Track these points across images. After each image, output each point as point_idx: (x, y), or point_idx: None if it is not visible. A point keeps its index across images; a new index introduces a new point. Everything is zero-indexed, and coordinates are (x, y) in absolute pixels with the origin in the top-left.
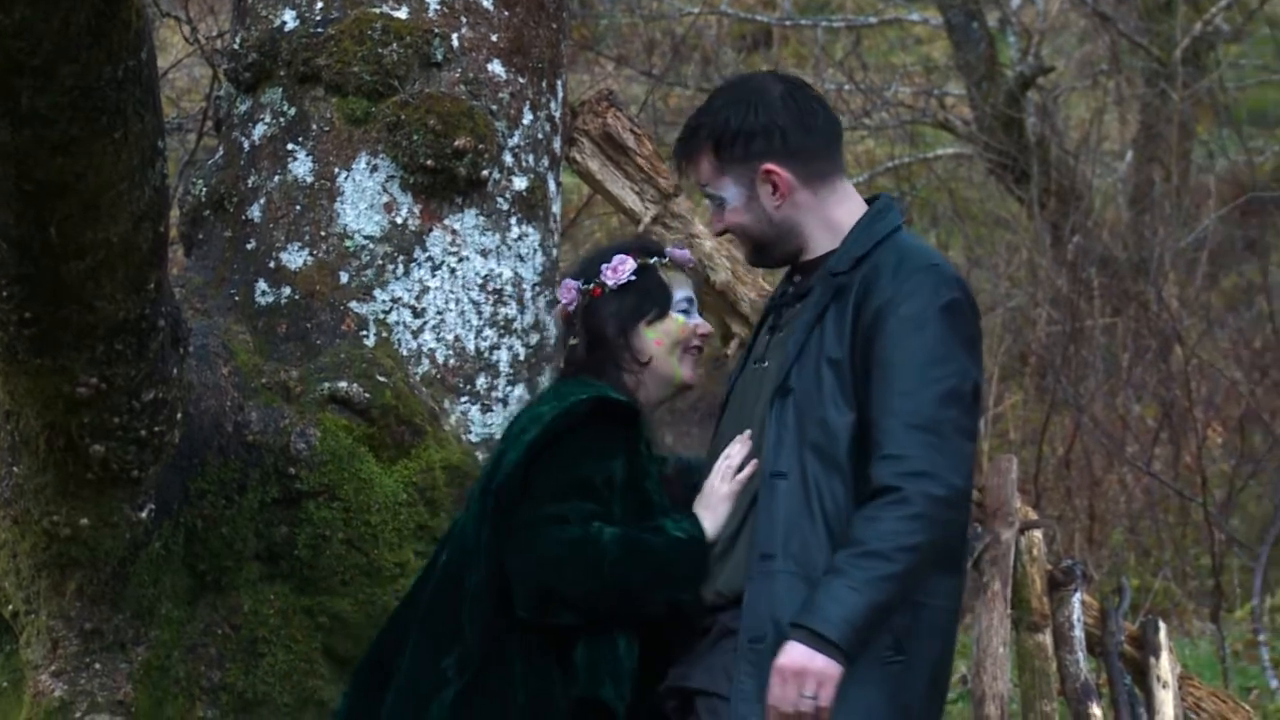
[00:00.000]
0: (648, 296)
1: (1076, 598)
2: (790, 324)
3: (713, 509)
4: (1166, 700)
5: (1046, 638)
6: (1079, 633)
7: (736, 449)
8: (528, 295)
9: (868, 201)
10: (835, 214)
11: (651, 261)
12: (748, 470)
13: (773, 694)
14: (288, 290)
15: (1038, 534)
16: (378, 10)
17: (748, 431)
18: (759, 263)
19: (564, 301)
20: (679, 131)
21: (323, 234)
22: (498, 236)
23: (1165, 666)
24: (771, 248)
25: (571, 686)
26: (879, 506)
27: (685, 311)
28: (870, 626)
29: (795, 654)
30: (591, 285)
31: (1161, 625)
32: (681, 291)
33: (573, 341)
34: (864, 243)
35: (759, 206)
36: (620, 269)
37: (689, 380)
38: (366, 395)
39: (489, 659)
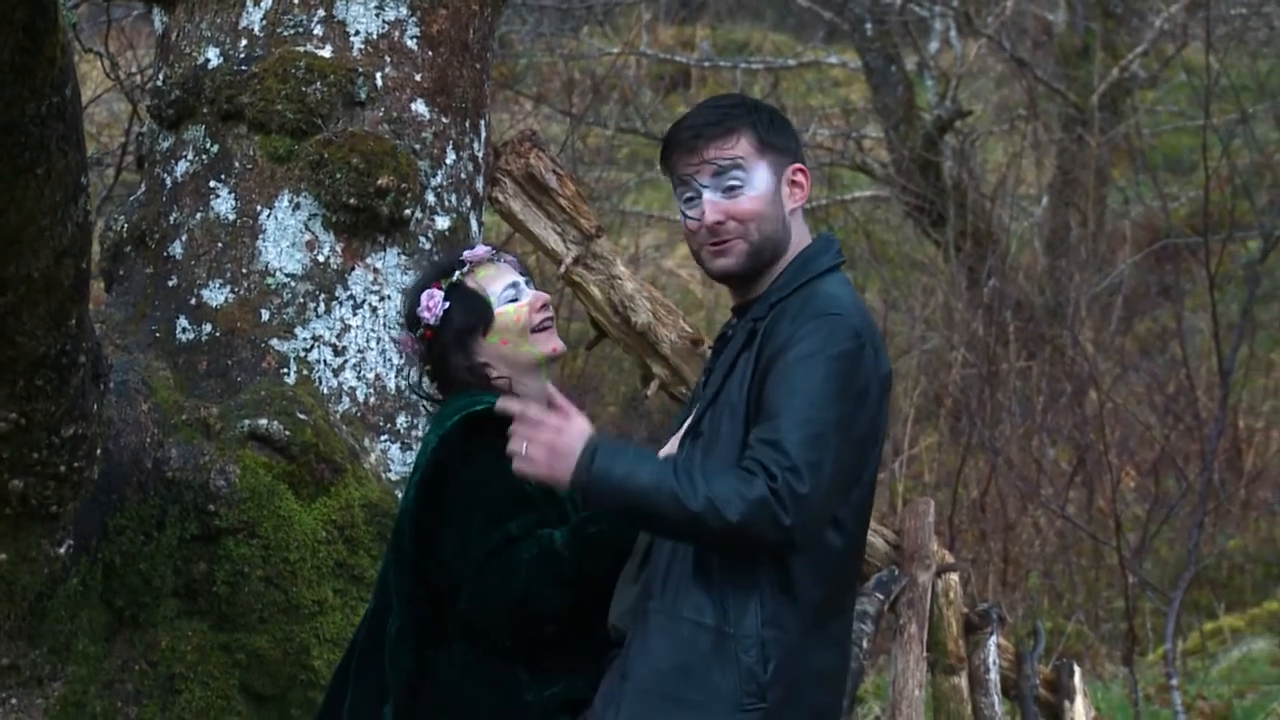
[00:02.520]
0: (470, 312)
1: (992, 641)
2: (714, 369)
3: None
4: None
5: (962, 680)
6: (994, 675)
7: (670, 445)
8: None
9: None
10: (797, 242)
11: (455, 278)
12: None
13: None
14: (209, 327)
15: (954, 577)
16: (302, 49)
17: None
18: (745, 266)
19: (410, 353)
20: (690, 115)
21: (244, 271)
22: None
23: (1079, 710)
24: (760, 249)
25: (547, 686)
26: (733, 470)
27: (513, 299)
28: (619, 502)
29: (573, 429)
30: (421, 331)
31: (1076, 668)
32: (499, 283)
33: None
34: (786, 287)
35: (779, 203)
36: (432, 304)
37: (551, 352)
38: (286, 433)
39: (427, 698)
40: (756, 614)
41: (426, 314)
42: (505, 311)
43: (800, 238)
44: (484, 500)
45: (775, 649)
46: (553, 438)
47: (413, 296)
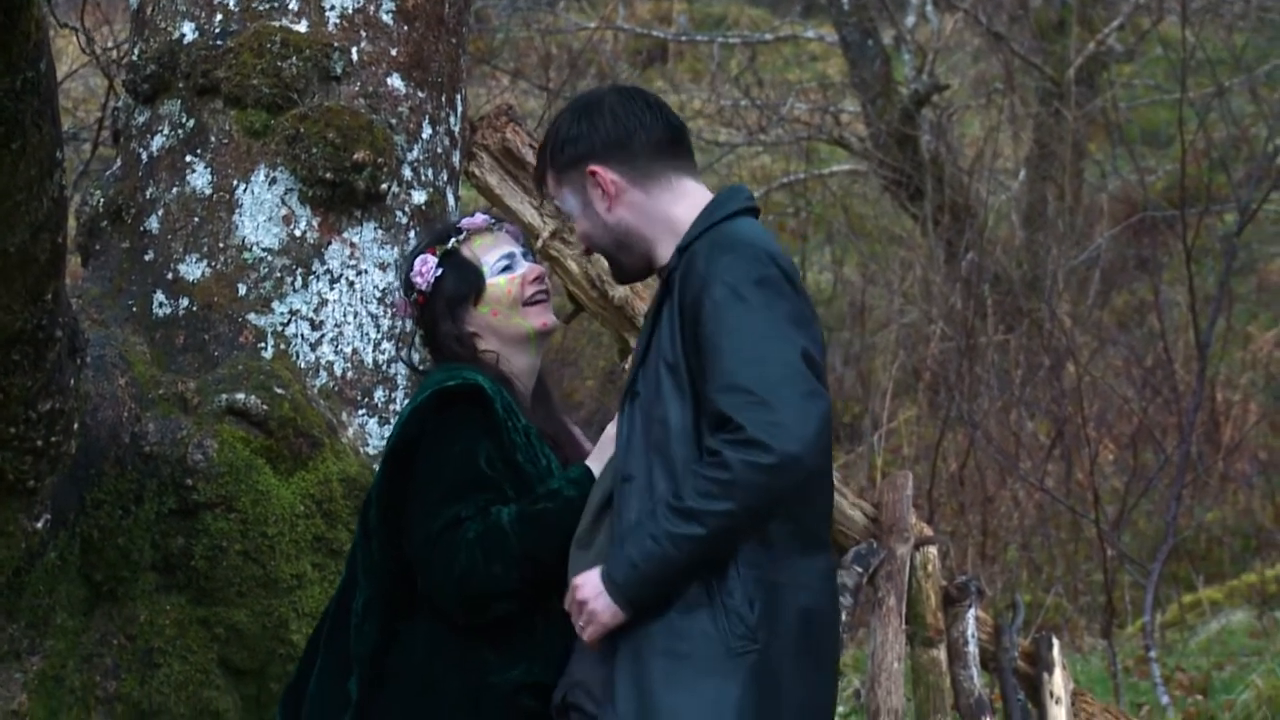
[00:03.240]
0: (461, 280)
1: (971, 613)
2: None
3: (602, 457)
4: (1060, 715)
5: (941, 653)
6: (973, 648)
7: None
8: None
9: None
10: (674, 212)
11: (450, 245)
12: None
13: (566, 599)
14: (185, 302)
15: (932, 550)
16: (277, 24)
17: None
18: (620, 277)
19: (403, 318)
20: None
21: (221, 246)
22: (396, 250)
23: (1058, 682)
24: (620, 255)
25: (510, 669)
26: (702, 465)
27: (507, 268)
28: (662, 580)
29: (588, 584)
30: (414, 295)
31: (1054, 641)
32: (494, 254)
33: (421, 351)
34: (691, 234)
35: (594, 212)
36: (425, 270)
37: (543, 327)
38: (264, 407)
39: (392, 673)
40: (732, 557)
41: (419, 279)
42: (497, 282)
43: (658, 207)
44: (445, 478)
45: (759, 590)
46: (586, 607)
47: (408, 261)
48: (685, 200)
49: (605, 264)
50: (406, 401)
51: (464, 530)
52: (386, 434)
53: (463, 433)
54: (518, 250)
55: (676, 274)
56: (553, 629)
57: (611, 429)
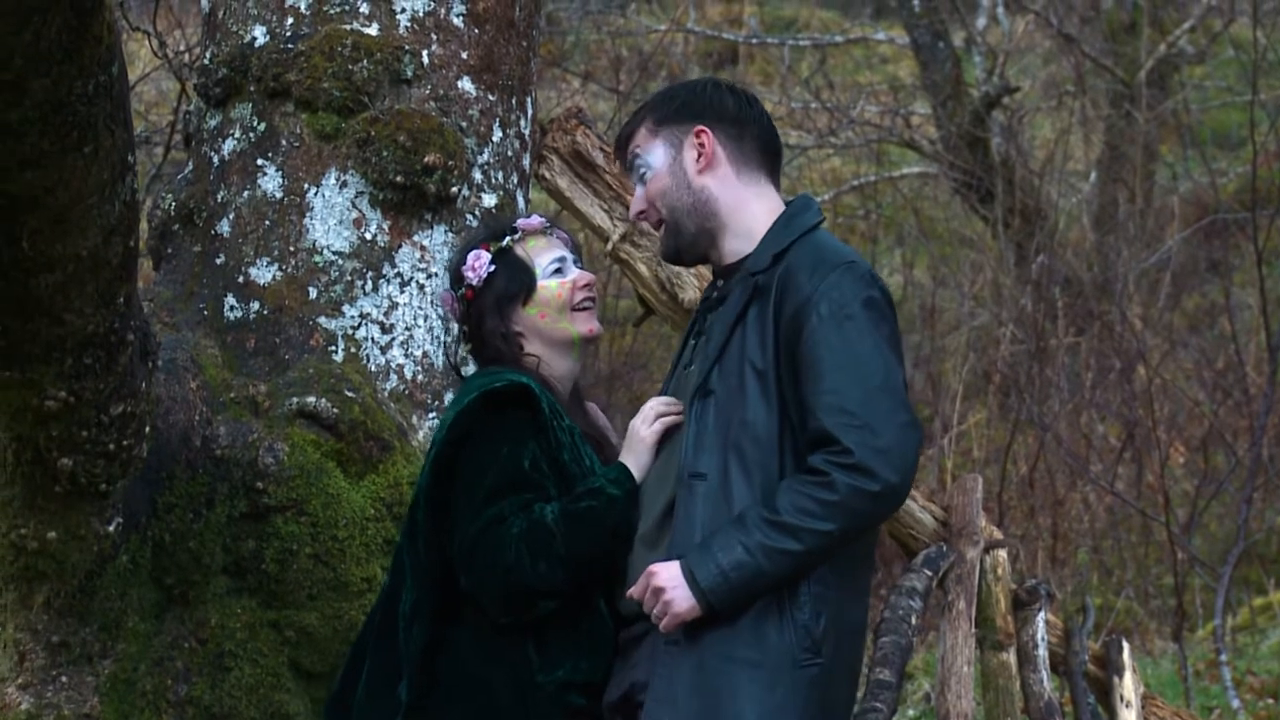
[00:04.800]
0: (512, 280)
1: (1041, 617)
2: (712, 327)
3: (635, 451)
4: (1130, 719)
5: (1011, 656)
6: (1043, 652)
7: (654, 401)
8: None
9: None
10: (753, 210)
11: (505, 243)
12: (671, 418)
13: (637, 586)
14: (256, 305)
15: (1002, 553)
16: (348, 27)
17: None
18: (672, 245)
19: (448, 311)
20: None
21: (292, 249)
22: None
23: (1129, 686)
24: (685, 223)
25: (555, 669)
26: (804, 483)
27: (558, 272)
28: (746, 589)
29: (666, 574)
30: (463, 290)
31: (1125, 644)
32: (547, 256)
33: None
34: (780, 240)
35: (680, 170)
36: (477, 265)
37: (589, 333)
38: (334, 410)
39: (441, 677)
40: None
41: (470, 273)
42: (548, 285)
43: (743, 193)
44: (490, 479)
45: (824, 605)
46: (663, 597)
47: (460, 254)
48: (765, 202)
49: (675, 267)
50: (449, 404)
51: (508, 527)
52: None
53: (509, 434)
54: (569, 255)
55: (773, 281)
56: (595, 627)
57: (638, 427)
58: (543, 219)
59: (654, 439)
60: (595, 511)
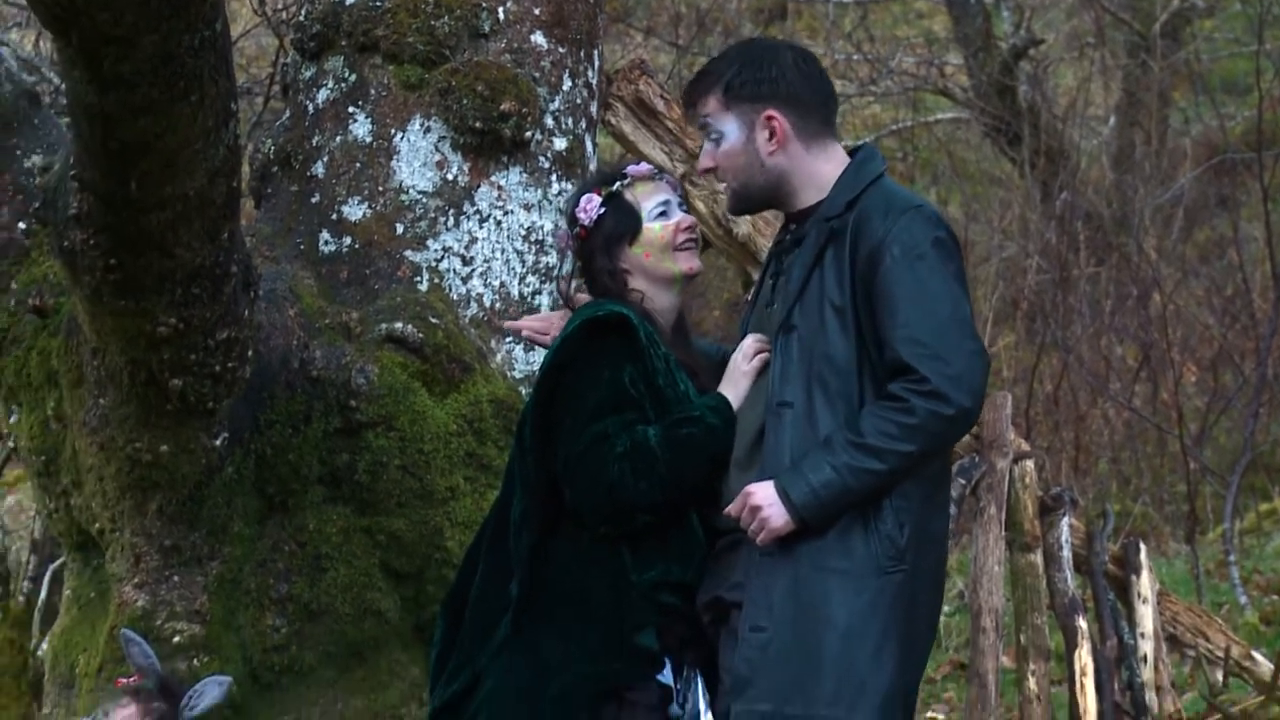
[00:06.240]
0: (620, 221)
1: (1065, 521)
2: (790, 268)
3: (735, 384)
4: (1146, 614)
5: (1037, 557)
6: (1067, 553)
7: (751, 338)
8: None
9: (851, 153)
10: (822, 169)
11: (615, 188)
12: (766, 354)
13: (734, 504)
14: (348, 240)
15: (1029, 464)
16: None
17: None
18: (740, 207)
19: (565, 248)
20: (692, 79)
21: (380, 189)
22: (539, 192)
23: (1145, 584)
24: (755, 193)
25: (648, 570)
26: (885, 408)
27: (663, 215)
28: (835, 505)
29: (762, 494)
30: (576, 229)
31: (1141, 546)
32: (653, 200)
33: (579, 281)
34: (853, 188)
35: (754, 150)
36: (589, 207)
37: (689, 270)
38: (420, 335)
39: (546, 579)
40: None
41: (582, 215)
42: (653, 227)
43: (814, 163)
44: (593, 399)
45: (906, 516)
46: (760, 514)
47: (575, 197)
48: (833, 160)
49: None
50: (560, 332)
51: (611, 445)
52: (531, 359)
53: (609, 358)
54: (674, 199)
55: (848, 226)
56: (686, 535)
57: (739, 362)
58: (650, 166)
59: (753, 373)
60: (696, 439)
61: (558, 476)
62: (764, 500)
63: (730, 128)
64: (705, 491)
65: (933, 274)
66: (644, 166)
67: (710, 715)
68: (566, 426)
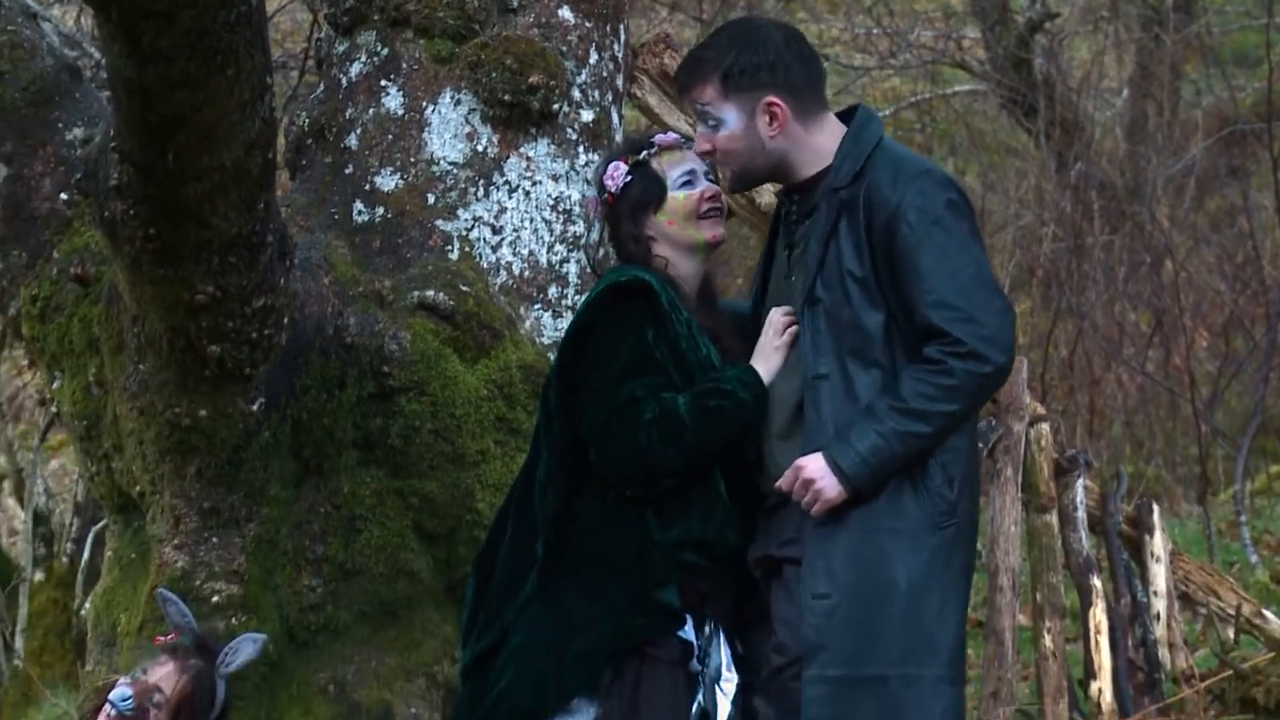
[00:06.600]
0: (646, 189)
1: (1080, 483)
2: (804, 240)
3: (767, 358)
4: (1159, 573)
5: (1053, 518)
6: (1082, 514)
7: (777, 312)
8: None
9: (844, 117)
10: (822, 142)
11: (641, 156)
12: (792, 332)
13: (785, 478)
14: (381, 210)
15: (1045, 426)
16: None
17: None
18: (740, 187)
19: (593, 215)
20: (691, 51)
21: (412, 160)
22: (567, 163)
23: (1158, 543)
24: (756, 173)
25: (670, 529)
26: (924, 371)
27: (688, 184)
28: (885, 470)
29: (814, 466)
30: (605, 196)
31: (1154, 507)
32: (678, 169)
33: (605, 246)
34: (856, 156)
35: (755, 135)
36: (616, 175)
37: (712, 239)
38: (451, 303)
39: (571, 538)
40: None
41: (610, 182)
42: (677, 196)
43: (812, 138)
44: (616, 361)
45: (955, 470)
46: (814, 486)
47: (603, 165)
48: (828, 131)
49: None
50: (581, 296)
51: (640, 410)
52: (560, 326)
53: (632, 322)
54: (700, 168)
55: (858, 196)
56: (705, 493)
57: (770, 338)
58: (677, 135)
59: (785, 348)
60: (725, 411)
61: (584, 438)
62: (816, 473)
63: (730, 115)
64: (729, 456)
65: (950, 237)
66: (671, 135)
67: (733, 672)
68: (593, 388)
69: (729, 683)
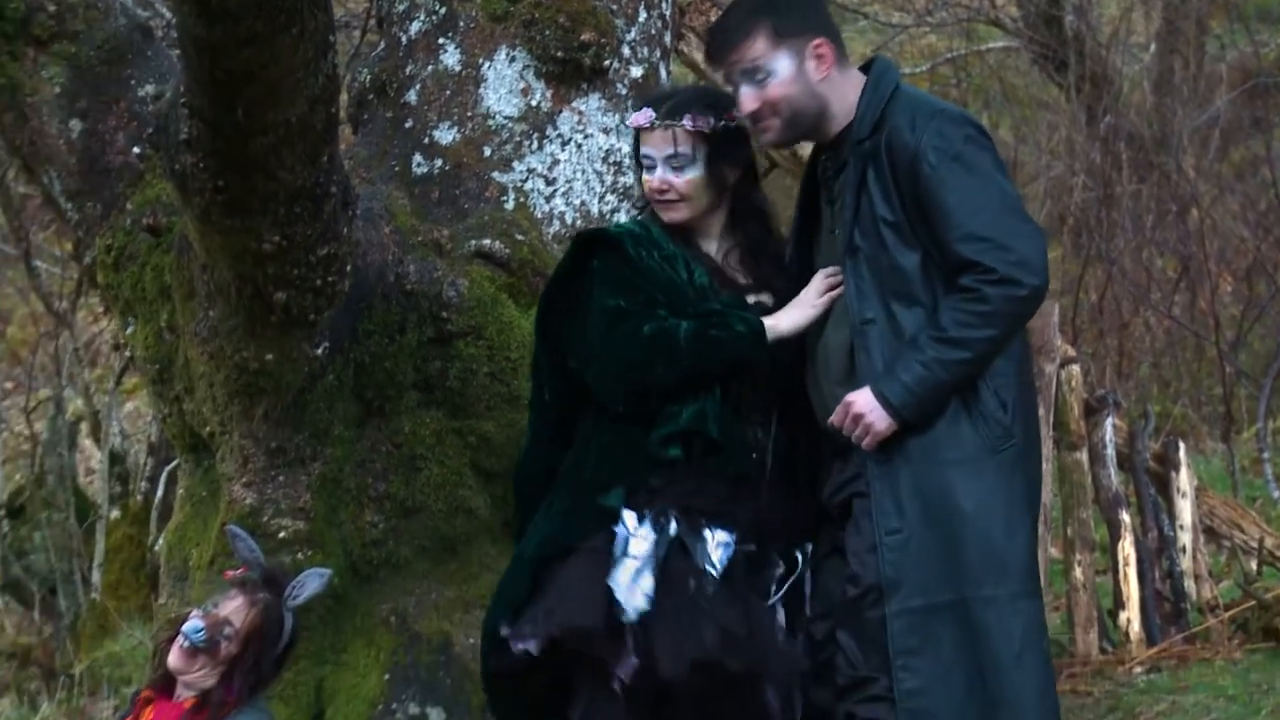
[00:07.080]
0: (635, 162)
1: (1109, 421)
2: (842, 194)
3: (801, 309)
4: (1185, 508)
5: (1083, 456)
6: (1111, 451)
7: (821, 274)
8: None
9: (864, 70)
10: (849, 91)
11: (633, 131)
12: (836, 292)
13: (835, 415)
14: (440, 162)
15: (1075, 368)
16: None
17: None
18: (786, 138)
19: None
20: (721, 19)
21: (469, 115)
22: (617, 117)
23: (1184, 480)
24: (805, 122)
25: (661, 427)
26: (961, 300)
27: (647, 168)
28: (932, 399)
29: (862, 400)
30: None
31: (1181, 445)
32: (645, 150)
33: None
34: (875, 106)
35: (805, 79)
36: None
37: (669, 221)
38: (507, 251)
39: (575, 445)
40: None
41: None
42: (641, 176)
43: (844, 87)
44: (599, 290)
45: (1005, 394)
46: (863, 420)
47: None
48: (852, 81)
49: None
50: None
51: (638, 324)
52: None
53: (602, 262)
54: (659, 155)
55: (880, 144)
56: (698, 399)
57: (810, 295)
58: (651, 115)
59: (821, 307)
60: (720, 341)
61: (580, 359)
62: (864, 407)
63: (781, 63)
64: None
65: (972, 170)
66: (639, 116)
67: (717, 570)
68: (582, 311)
69: (715, 553)
